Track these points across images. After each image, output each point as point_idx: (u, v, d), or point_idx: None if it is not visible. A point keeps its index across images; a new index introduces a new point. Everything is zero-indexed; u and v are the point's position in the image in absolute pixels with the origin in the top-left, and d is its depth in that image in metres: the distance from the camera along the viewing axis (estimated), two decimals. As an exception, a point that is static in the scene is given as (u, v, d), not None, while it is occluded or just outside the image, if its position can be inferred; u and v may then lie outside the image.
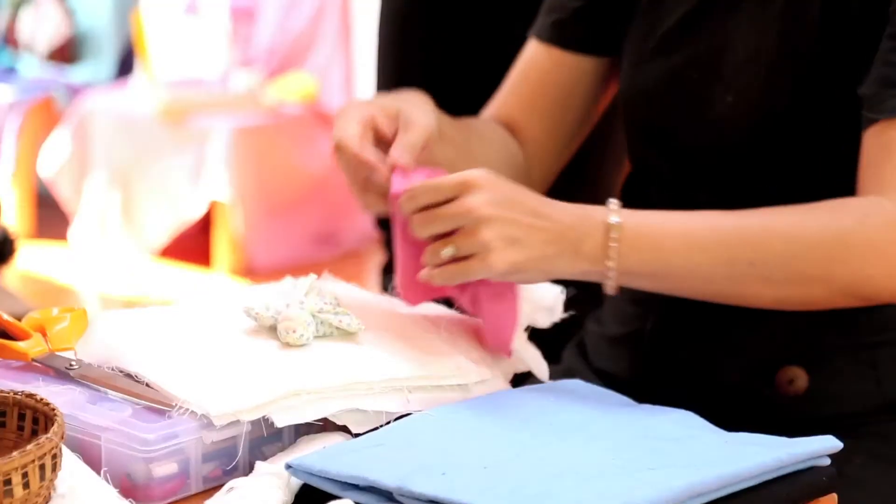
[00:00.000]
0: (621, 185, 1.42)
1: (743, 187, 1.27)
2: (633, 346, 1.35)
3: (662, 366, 1.32)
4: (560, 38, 1.37)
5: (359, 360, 1.04)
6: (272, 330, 1.07)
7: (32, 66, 4.91)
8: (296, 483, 0.94)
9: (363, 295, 1.20)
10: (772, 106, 1.24)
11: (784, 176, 1.25)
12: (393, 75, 2.01)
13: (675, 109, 1.30)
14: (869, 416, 1.26)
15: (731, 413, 1.15)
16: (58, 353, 1.05)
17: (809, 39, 1.23)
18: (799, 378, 1.26)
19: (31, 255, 4.28)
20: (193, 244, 4.35)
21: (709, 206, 1.18)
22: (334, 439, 1.00)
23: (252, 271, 4.16)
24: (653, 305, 1.31)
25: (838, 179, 1.22)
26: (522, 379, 1.14)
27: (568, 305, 1.17)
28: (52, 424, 0.86)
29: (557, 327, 1.17)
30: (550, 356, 1.20)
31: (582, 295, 1.19)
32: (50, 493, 0.86)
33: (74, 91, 4.74)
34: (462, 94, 1.96)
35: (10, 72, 4.90)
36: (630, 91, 1.34)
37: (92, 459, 0.94)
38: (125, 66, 4.90)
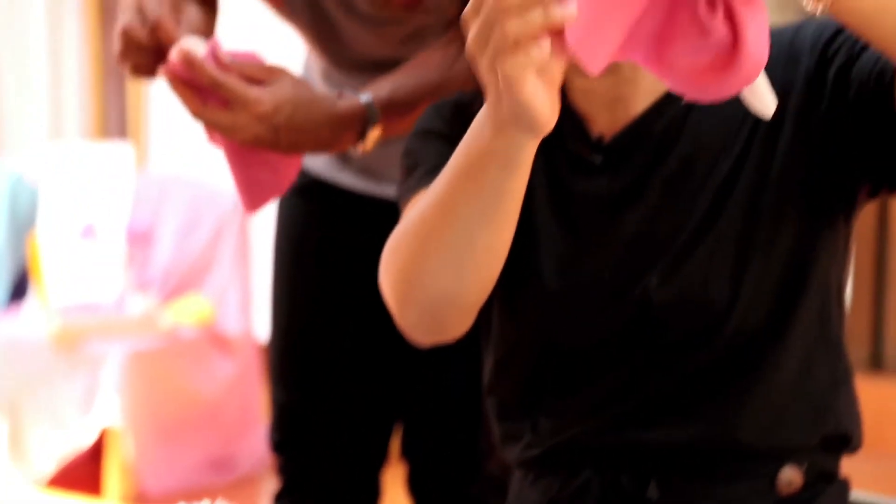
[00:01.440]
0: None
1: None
2: None
3: None
4: None
5: None
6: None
7: (-77, 292, 4.85)
8: None
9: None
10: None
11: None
12: (288, 294, 2.02)
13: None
14: None
15: None
16: None
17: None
18: None
19: (-87, 486, 4.15)
20: (83, 472, 4.25)
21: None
22: None
23: (144, 498, 4.06)
24: None
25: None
26: None
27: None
28: None
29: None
30: None
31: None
32: None
33: (-35, 317, 4.68)
34: (358, 310, 1.98)
35: None
36: (536, 297, 1.36)
37: None
38: (19, 291, 4.85)
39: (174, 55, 1.54)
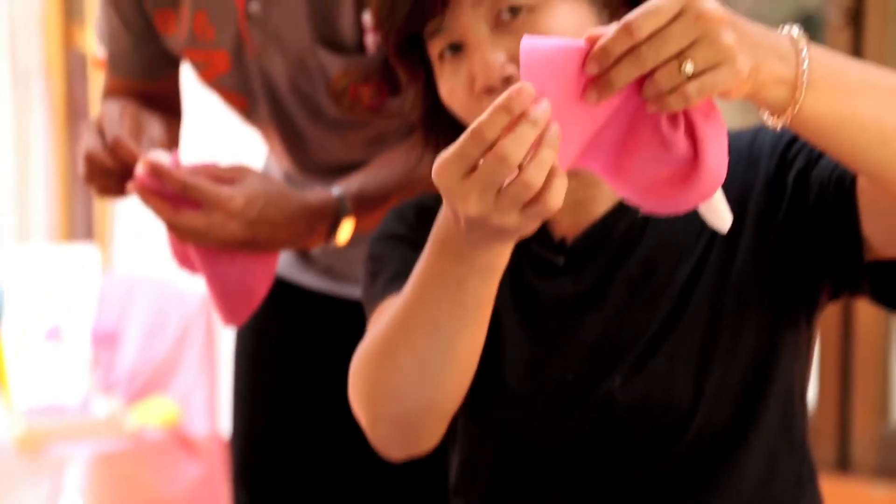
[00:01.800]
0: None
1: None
2: None
3: None
4: None
5: None
6: None
7: None
8: None
9: None
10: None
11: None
12: (249, 395, 2.02)
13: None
14: None
15: None
16: None
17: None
18: None
19: None
20: (45, 578, 4.18)
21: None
22: None
23: None
24: None
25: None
26: None
27: None
28: None
29: None
30: None
31: None
32: None
33: (-73, 420, 4.63)
34: (321, 410, 1.97)
35: None
36: (497, 389, 1.36)
37: None
38: (-18, 394, 4.81)
39: (140, 168, 1.54)
